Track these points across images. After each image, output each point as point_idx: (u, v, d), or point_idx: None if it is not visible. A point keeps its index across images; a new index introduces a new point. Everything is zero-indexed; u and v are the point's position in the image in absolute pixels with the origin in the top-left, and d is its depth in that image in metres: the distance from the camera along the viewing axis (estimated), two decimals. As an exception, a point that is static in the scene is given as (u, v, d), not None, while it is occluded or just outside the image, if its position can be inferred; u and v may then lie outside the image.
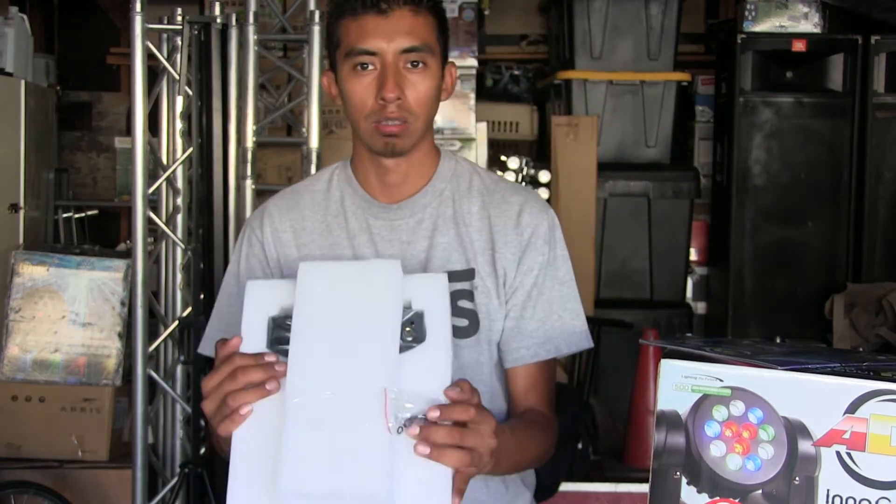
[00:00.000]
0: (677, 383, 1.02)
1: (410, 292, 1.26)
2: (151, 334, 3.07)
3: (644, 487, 1.04)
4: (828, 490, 0.97)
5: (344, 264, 1.38)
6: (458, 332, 1.44)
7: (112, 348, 3.35)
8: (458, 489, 1.16)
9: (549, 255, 1.48)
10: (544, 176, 3.73)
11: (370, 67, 1.40)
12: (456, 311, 1.44)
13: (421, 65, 1.41)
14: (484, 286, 1.46)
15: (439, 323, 1.24)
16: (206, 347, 1.54)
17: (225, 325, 1.52)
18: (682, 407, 1.02)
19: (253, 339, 1.22)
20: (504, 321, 1.48)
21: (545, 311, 1.47)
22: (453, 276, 1.44)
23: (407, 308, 1.24)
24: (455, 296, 1.44)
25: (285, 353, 1.19)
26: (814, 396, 0.97)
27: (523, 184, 3.65)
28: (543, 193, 3.70)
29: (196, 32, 2.90)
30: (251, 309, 1.23)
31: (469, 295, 1.46)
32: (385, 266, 1.28)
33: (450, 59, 1.49)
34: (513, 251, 1.47)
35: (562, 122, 3.73)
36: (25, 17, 3.97)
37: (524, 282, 1.47)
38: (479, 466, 1.20)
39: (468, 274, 1.47)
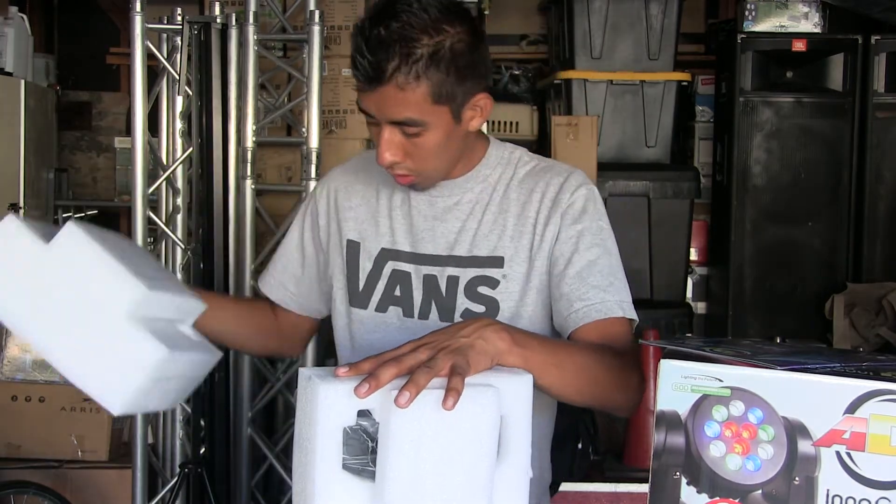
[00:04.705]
0: (677, 383, 1.02)
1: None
2: (151, 334, 3.06)
3: (644, 487, 1.04)
4: (827, 490, 0.96)
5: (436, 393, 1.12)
6: (472, 317, 1.43)
7: (112, 348, 3.35)
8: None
9: (588, 224, 1.46)
10: (544, 176, 3.72)
11: (374, 125, 1.39)
12: (474, 297, 1.45)
13: (416, 135, 1.36)
14: (513, 274, 1.45)
15: (519, 436, 1.14)
16: (266, 286, 1.68)
17: (282, 274, 1.66)
18: (682, 407, 1.02)
19: (327, 452, 1.09)
20: (552, 294, 1.45)
21: (589, 273, 1.42)
22: (477, 262, 1.46)
23: None
24: (476, 281, 1.45)
25: (364, 476, 1.09)
26: (814, 396, 0.97)
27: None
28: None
29: (196, 32, 2.90)
30: (322, 418, 1.08)
31: (492, 282, 1.46)
32: (483, 396, 1.11)
33: (482, 93, 1.39)
34: (552, 229, 1.46)
35: (562, 122, 3.73)
36: (25, 17, 3.98)
37: (564, 250, 1.44)
38: (467, 356, 1.13)
39: (495, 261, 1.46)
